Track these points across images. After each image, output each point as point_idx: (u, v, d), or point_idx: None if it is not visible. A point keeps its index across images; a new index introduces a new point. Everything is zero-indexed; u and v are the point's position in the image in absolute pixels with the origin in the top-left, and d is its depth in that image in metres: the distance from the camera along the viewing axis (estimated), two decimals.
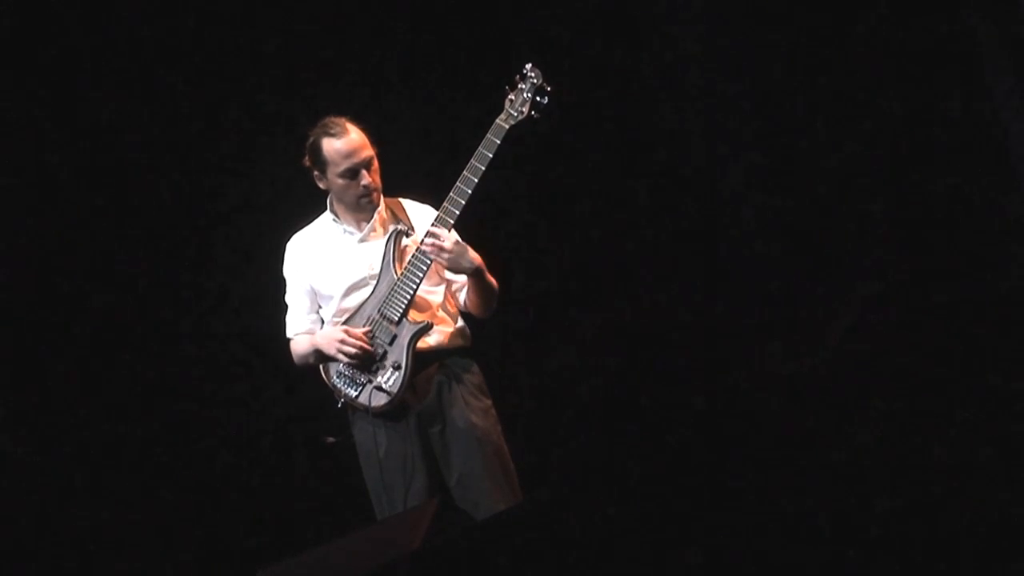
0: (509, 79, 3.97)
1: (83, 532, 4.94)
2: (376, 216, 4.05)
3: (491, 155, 3.88)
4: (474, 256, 3.93)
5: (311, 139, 4.02)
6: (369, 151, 3.99)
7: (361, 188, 3.99)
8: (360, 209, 4.05)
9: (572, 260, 5.33)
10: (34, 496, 4.91)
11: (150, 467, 5.08)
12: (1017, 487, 2.95)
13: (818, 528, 2.93)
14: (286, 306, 4.19)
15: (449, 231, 3.90)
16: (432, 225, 3.92)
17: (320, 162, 4.00)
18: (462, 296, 4.09)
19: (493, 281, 4.02)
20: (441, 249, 3.88)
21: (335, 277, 4.08)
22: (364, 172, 3.98)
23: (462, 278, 4.04)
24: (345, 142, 3.96)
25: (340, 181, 4.00)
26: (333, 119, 4.00)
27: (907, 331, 4.49)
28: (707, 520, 2.95)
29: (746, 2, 5.18)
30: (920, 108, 4.94)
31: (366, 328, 3.96)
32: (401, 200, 4.14)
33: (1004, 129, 4.79)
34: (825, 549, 2.89)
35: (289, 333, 4.17)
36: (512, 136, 3.91)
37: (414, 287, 3.92)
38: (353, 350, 3.94)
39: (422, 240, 3.92)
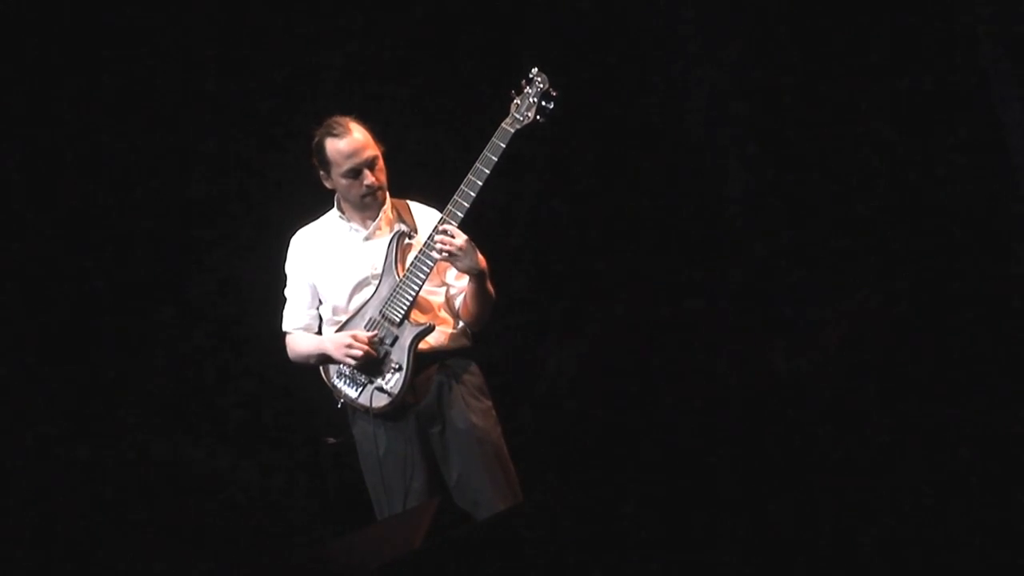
0: (515, 83, 3.98)
1: (82, 532, 4.95)
2: (382, 215, 4.06)
3: (496, 159, 3.88)
4: (480, 259, 3.93)
5: (316, 139, 4.03)
6: (372, 151, 4.00)
7: (364, 187, 3.99)
8: (365, 207, 4.06)
9: (573, 261, 5.34)
10: (35, 493, 4.93)
11: (150, 467, 5.10)
12: (1018, 487, 2.97)
13: (818, 529, 2.94)
14: (284, 300, 4.19)
15: (430, 271, 3.91)
16: (440, 222, 3.92)
17: (324, 162, 4.02)
18: (458, 302, 4.08)
19: (492, 290, 4.02)
20: (451, 245, 3.87)
21: (338, 274, 4.09)
22: (367, 172, 3.98)
23: (461, 283, 4.05)
24: (347, 142, 3.98)
25: (343, 181, 4.01)
26: (337, 119, 4.01)
27: (907, 332, 4.50)
28: (707, 521, 2.96)
29: (748, 4, 5.19)
30: (920, 108, 4.95)
31: (372, 332, 3.98)
32: (408, 202, 4.15)
33: (1004, 128, 4.80)
34: (825, 551, 2.90)
35: (286, 327, 4.18)
36: (517, 140, 3.92)
37: (416, 289, 3.93)
38: (360, 353, 3.94)
39: (430, 235, 3.93)
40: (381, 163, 4.02)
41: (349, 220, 4.10)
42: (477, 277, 3.95)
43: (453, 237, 3.87)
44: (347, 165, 3.98)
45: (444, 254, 3.88)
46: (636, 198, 5.31)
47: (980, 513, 2.92)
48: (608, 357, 5.26)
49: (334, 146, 3.99)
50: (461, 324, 4.10)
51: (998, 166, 4.86)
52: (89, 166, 5.09)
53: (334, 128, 3.99)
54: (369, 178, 3.99)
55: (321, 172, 4.05)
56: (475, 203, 3.89)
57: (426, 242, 3.94)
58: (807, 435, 3.29)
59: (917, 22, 4.92)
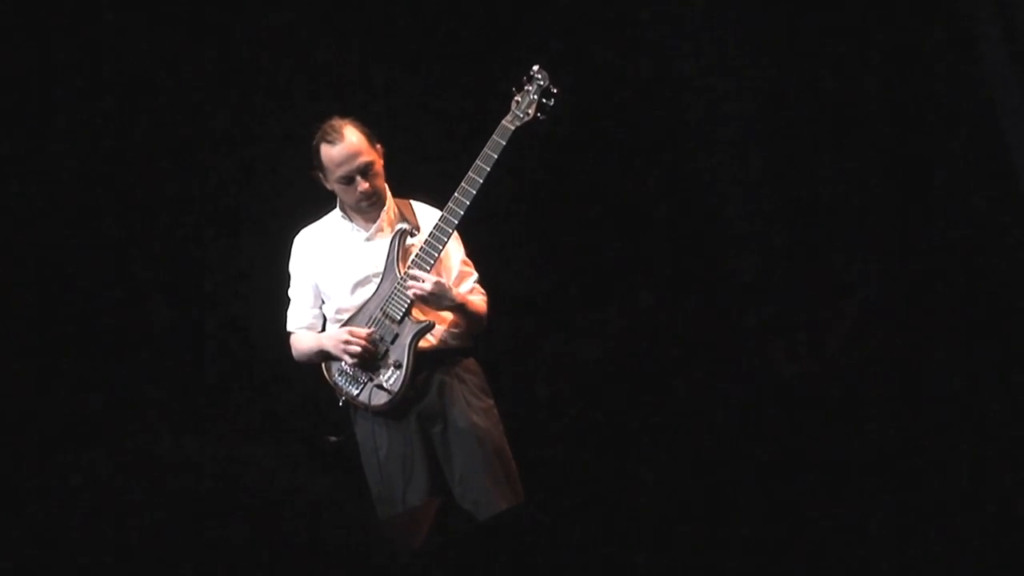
0: (516, 80, 3.98)
1: (80, 531, 4.92)
2: (384, 216, 4.06)
3: (496, 156, 3.88)
4: (456, 295, 3.96)
5: (313, 142, 4.02)
6: (366, 157, 3.97)
7: (358, 194, 3.99)
8: (362, 211, 4.06)
9: (574, 261, 5.33)
10: (36, 492, 4.90)
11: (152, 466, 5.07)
12: (1018, 487, 2.96)
13: (818, 531, 2.93)
14: (288, 300, 4.19)
15: (430, 269, 3.91)
16: (410, 265, 3.92)
17: (320, 166, 4.02)
18: None
19: (474, 309, 4.04)
20: (423, 291, 3.89)
21: (340, 274, 4.08)
22: (359, 179, 3.97)
23: (463, 287, 4.06)
24: (340, 149, 3.96)
25: (338, 186, 4.02)
26: (333, 123, 3.99)
27: (907, 332, 4.50)
28: (707, 521, 2.95)
29: (746, 5, 5.18)
30: (919, 107, 4.95)
31: (370, 330, 3.97)
32: (412, 202, 4.14)
33: (1004, 127, 4.80)
34: (825, 552, 2.89)
35: (290, 327, 4.17)
36: (517, 138, 3.91)
37: None
38: (357, 349, 3.94)
39: (430, 233, 3.93)
40: (377, 168, 4.00)
41: (351, 220, 4.09)
42: (456, 310, 3.99)
43: (423, 282, 3.89)
44: (340, 172, 3.97)
45: (416, 298, 3.90)
46: (635, 197, 5.30)
47: (981, 513, 2.91)
48: (608, 356, 5.25)
49: (327, 153, 3.97)
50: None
51: (999, 165, 4.85)
52: (91, 165, 5.08)
53: (329, 134, 3.98)
54: (362, 185, 3.97)
55: (319, 175, 4.04)
56: (476, 200, 3.88)
57: (426, 240, 3.93)
58: (808, 437, 3.29)
59: (917, 22, 4.92)
